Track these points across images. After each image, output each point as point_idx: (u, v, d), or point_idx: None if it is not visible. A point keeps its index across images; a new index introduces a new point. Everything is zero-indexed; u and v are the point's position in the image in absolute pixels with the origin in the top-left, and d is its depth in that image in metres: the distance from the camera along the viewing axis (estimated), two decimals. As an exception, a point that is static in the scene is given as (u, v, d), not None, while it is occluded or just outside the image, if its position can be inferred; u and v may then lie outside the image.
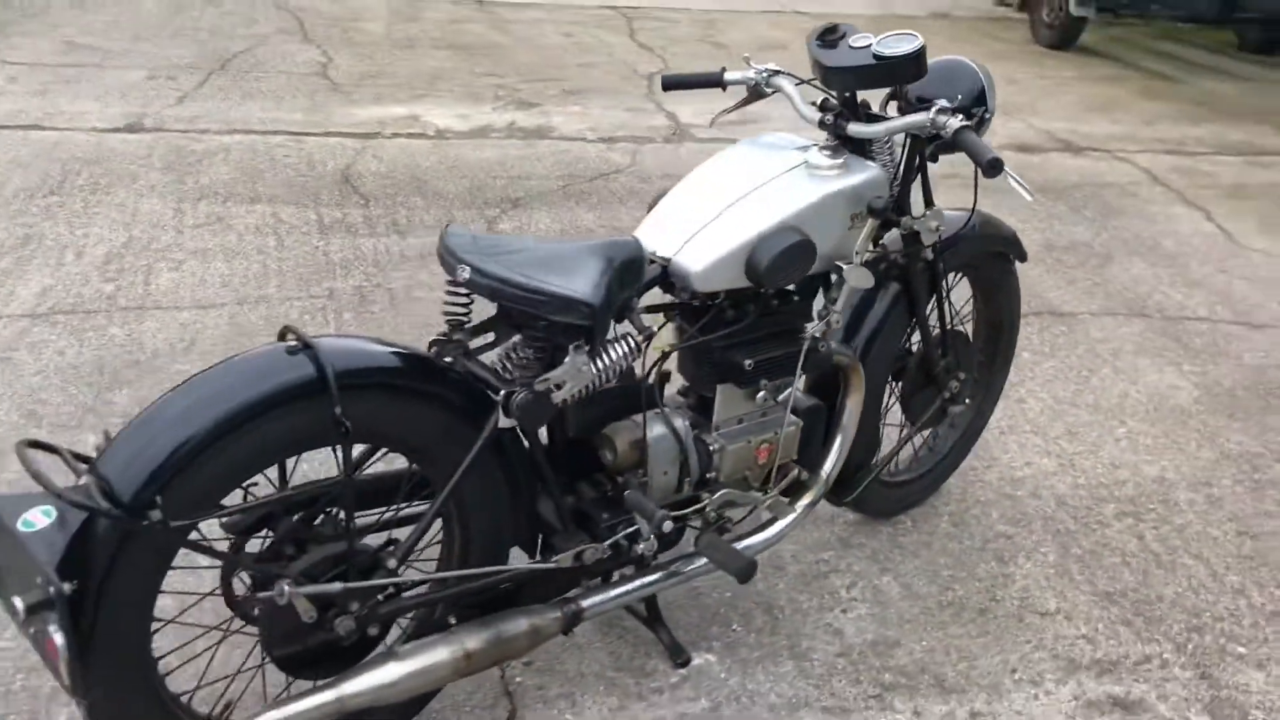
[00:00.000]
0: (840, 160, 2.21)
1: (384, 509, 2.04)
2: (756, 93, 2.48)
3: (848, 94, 2.28)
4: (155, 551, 1.69)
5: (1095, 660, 2.47)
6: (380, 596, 1.90)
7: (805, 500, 2.43)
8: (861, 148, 2.29)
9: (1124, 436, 3.36)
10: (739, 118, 2.92)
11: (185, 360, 3.36)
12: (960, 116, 2.13)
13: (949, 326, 2.68)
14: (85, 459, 1.70)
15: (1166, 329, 4.10)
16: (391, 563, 1.90)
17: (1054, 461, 3.21)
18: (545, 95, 6.62)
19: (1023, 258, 2.80)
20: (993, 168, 2.01)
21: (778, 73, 2.43)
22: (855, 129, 2.25)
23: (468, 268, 1.89)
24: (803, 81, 2.40)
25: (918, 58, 2.16)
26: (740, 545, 2.33)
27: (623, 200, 4.97)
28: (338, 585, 1.82)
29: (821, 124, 2.30)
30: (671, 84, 2.54)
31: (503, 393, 1.93)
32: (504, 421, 1.97)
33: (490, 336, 2.05)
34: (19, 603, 1.54)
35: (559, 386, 1.96)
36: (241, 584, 1.92)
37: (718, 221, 2.13)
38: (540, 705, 2.24)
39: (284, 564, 1.84)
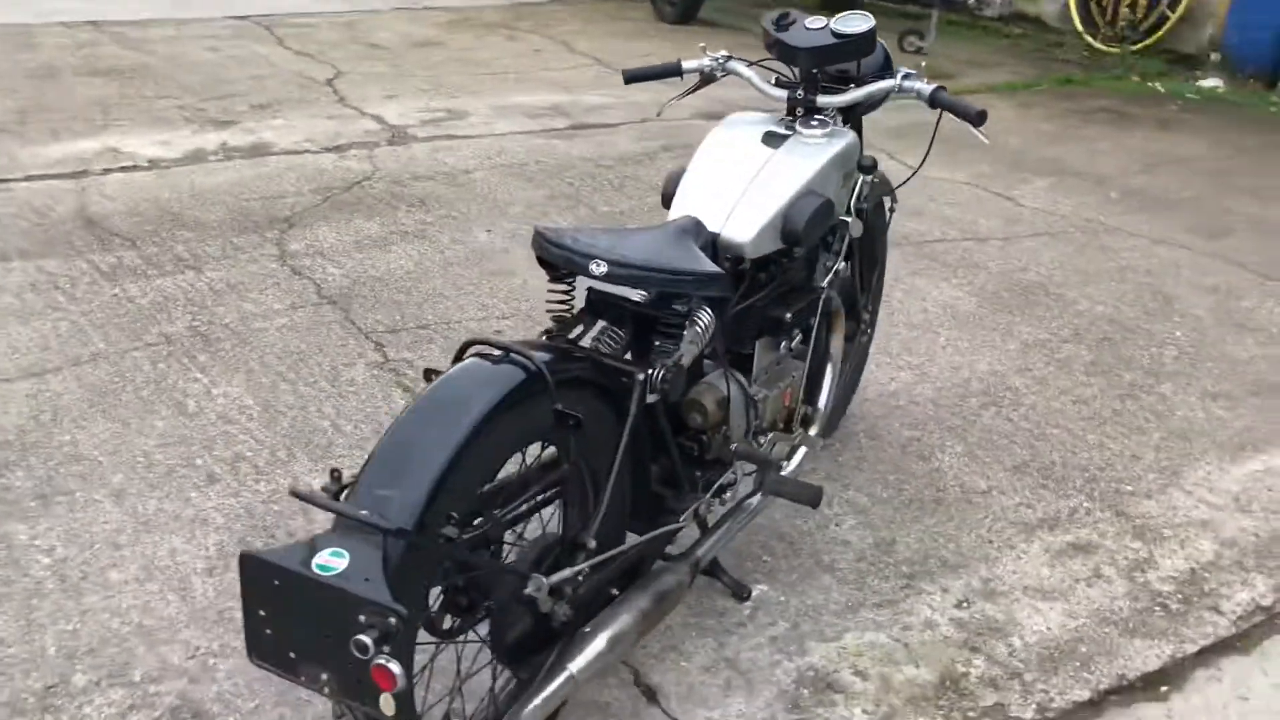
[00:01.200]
0: (826, 130, 2.51)
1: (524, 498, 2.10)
2: (708, 79, 2.71)
3: (814, 70, 2.57)
4: (435, 567, 1.70)
5: (1041, 520, 2.97)
6: (581, 577, 1.99)
7: (814, 432, 2.74)
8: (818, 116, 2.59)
9: (947, 343, 3.94)
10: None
11: (66, 429, 3.08)
12: (925, 80, 2.50)
13: (873, 266, 3.07)
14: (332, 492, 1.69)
15: (921, 252, 4.76)
16: (592, 543, 1.99)
17: (910, 374, 3.72)
18: (235, 112, 6.33)
19: (895, 200, 3.24)
20: (981, 117, 2.39)
21: (730, 58, 2.67)
22: (825, 100, 2.55)
23: (603, 262, 1.99)
24: (754, 63, 2.66)
25: (872, 35, 2.50)
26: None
27: (393, 206, 4.95)
28: (577, 568, 1.90)
29: (792, 100, 2.57)
30: (633, 77, 2.71)
31: (648, 371, 2.06)
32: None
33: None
34: (366, 639, 1.51)
35: (683, 359, 2.13)
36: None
37: (749, 195, 2.35)
38: (654, 661, 2.39)
39: (517, 561, 1.89)
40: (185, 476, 2.92)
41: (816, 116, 2.54)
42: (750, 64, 2.66)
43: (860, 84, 2.60)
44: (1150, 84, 8.14)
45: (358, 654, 1.52)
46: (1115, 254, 4.83)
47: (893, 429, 3.37)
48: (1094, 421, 3.47)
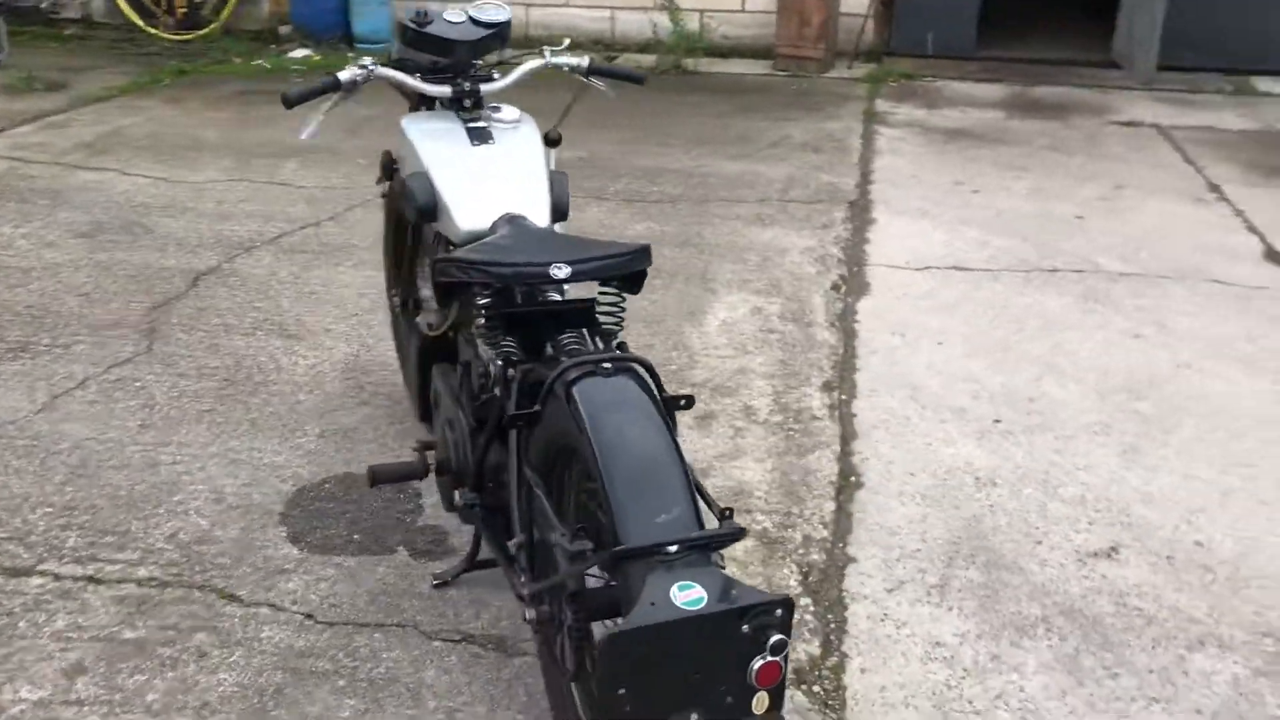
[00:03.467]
0: (516, 115, 2.64)
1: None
2: (352, 89, 2.60)
3: (473, 60, 2.65)
4: None
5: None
6: None
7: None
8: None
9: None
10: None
11: None
12: (570, 53, 2.75)
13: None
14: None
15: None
16: None
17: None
18: None
19: None
20: (643, 80, 2.75)
21: (378, 64, 2.60)
22: (488, 88, 2.67)
23: (563, 265, 2.02)
24: (393, 64, 2.63)
25: (510, 21, 2.68)
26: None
27: None
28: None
29: (459, 92, 2.63)
30: (295, 99, 2.48)
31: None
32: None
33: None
34: (768, 638, 1.55)
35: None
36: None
37: (524, 186, 2.43)
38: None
39: None
40: None
41: (492, 105, 2.65)
42: (394, 64, 2.64)
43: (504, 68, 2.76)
44: (256, 62, 8.50)
45: (751, 662, 1.55)
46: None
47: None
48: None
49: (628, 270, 2.08)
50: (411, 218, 2.49)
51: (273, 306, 4.15)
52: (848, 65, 8.61)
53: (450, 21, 2.60)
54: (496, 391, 2.09)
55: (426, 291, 2.68)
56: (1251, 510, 2.99)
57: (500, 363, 2.07)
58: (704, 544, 1.62)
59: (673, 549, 1.61)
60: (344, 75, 2.56)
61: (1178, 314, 4.21)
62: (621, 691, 1.54)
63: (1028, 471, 3.16)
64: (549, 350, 2.17)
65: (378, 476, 2.49)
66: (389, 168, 2.90)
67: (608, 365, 1.85)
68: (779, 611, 1.57)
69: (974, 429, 3.38)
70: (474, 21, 2.60)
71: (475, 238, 2.36)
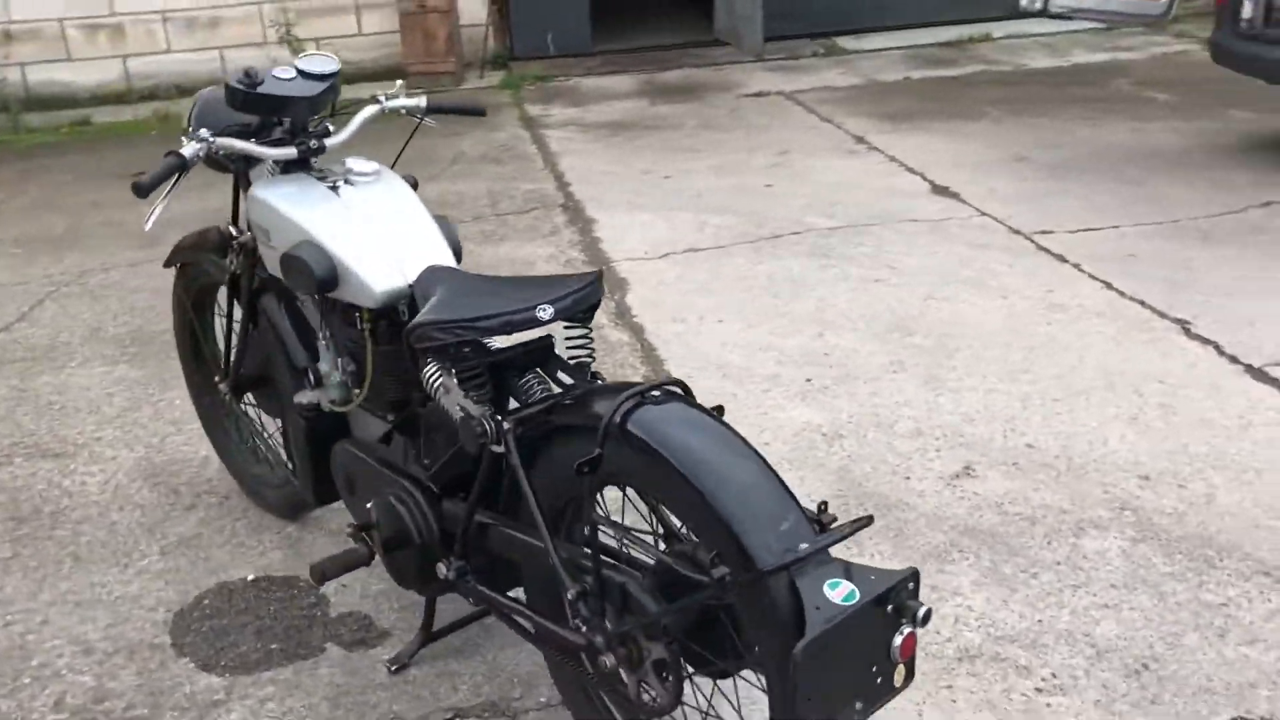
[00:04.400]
0: (375, 166, 2.51)
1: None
2: (186, 167, 2.38)
3: (311, 115, 2.48)
4: None
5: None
6: None
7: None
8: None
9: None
10: None
11: None
12: (406, 94, 2.64)
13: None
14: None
15: None
16: None
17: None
18: None
19: None
20: (484, 111, 2.70)
21: (217, 134, 2.38)
22: (334, 140, 2.52)
23: (547, 306, 1.99)
24: (224, 132, 2.42)
25: (340, 70, 2.54)
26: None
27: None
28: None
29: (305, 150, 2.46)
30: (148, 187, 2.22)
31: None
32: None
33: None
34: (916, 611, 1.65)
35: None
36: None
37: (425, 233, 2.35)
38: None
39: None
40: None
41: (338, 160, 2.52)
42: (239, 133, 2.45)
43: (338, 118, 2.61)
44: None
45: (892, 638, 1.65)
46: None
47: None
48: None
49: (594, 300, 2.08)
50: (309, 291, 2.32)
51: (14, 428, 3.64)
52: (479, 75, 8.69)
53: (281, 79, 2.43)
54: (488, 447, 2.01)
55: (325, 367, 2.49)
56: (1051, 408, 3.43)
57: (492, 416, 1.99)
58: (837, 540, 1.67)
59: (807, 551, 1.64)
60: (187, 152, 2.33)
61: (897, 254, 4.69)
62: (809, 700, 1.57)
63: (860, 418, 3.42)
64: (515, 395, 2.12)
65: (326, 573, 2.31)
66: (192, 250, 2.71)
67: (656, 393, 1.84)
68: (911, 585, 1.66)
69: (795, 391, 3.61)
70: (305, 75, 2.45)
71: (393, 298, 2.24)
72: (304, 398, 2.54)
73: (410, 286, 2.24)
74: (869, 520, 1.71)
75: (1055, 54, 8.40)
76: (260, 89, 2.39)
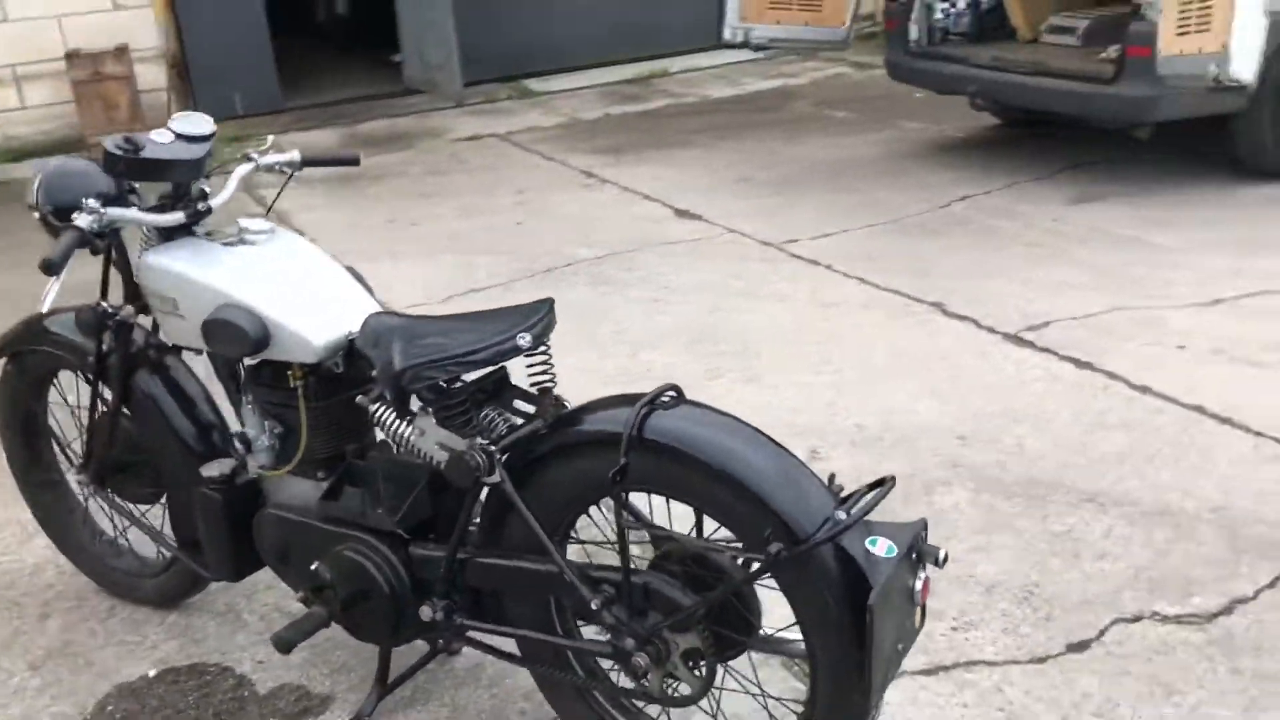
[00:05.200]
0: (265, 224, 2.46)
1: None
2: (86, 239, 2.24)
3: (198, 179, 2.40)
4: None
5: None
6: None
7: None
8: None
9: None
10: None
11: None
12: (276, 149, 2.59)
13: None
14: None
15: None
16: None
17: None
18: None
19: None
20: (358, 160, 2.68)
21: (106, 206, 2.26)
22: (219, 200, 2.45)
23: (525, 334, 2.07)
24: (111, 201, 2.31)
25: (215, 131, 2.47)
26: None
27: None
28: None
29: (193, 214, 2.38)
30: (59, 264, 2.09)
31: None
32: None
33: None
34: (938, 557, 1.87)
35: None
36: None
37: (342, 283, 2.34)
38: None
39: None
40: None
41: (242, 220, 2.46)
42: (136, 206, 2.36)
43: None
44: None
45: (914, 583, 1.86)
46: None
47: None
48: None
49: (553, 324, 2.17)
50: (240, 354, 2.24)
51: None
52: (168, 141, 8.28)
53: (161, 143, 2.35)
54: (481, 480, 2.05)
55: (252, 432, 2.39)
56: (861, 391, 3.79)
57: (483, 449, 2.03)
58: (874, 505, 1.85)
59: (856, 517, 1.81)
60: (83, 223, 2.21)
61: (668, 274, 4.97)
62: (879, 649, 1.75)
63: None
64: (479, 423, 2.16)
65: (292, 641, 2.23)
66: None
67: (665, 399, 1.96)
68: (923, 532, 1.88)
69: (629, 409, 3.78)
70: (183, 138, 2.37)
71: (332, 350, 2.23)
72: (214, 470, 2.44)
73: (349, 338, 2.23)
74: (893, 481, 1.90)
75: (731, 84, 9.09)
76: (144, 154, 2.30)
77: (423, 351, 2.04)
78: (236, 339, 2.21)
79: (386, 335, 2.14)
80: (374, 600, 2.24)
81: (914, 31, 6.37)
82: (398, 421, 2.18)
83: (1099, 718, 2.35)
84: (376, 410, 2.20)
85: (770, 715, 2.19)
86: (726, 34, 6.19)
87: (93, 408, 2.67)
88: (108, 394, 2.62)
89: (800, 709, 2.07)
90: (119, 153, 2.29)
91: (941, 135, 6.97)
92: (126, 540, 2.91)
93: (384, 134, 8.17)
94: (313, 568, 2.31)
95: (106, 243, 2.46)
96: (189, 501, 2.50)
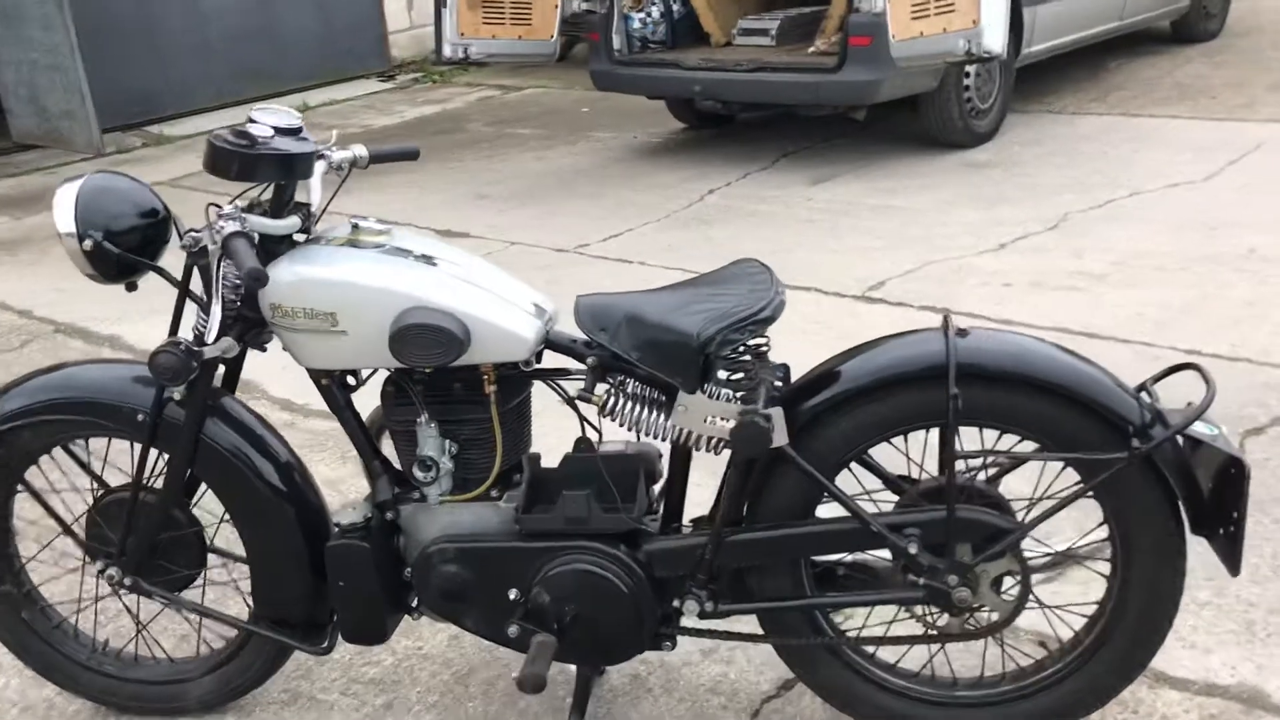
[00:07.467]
0: (380, 224, 2.15)
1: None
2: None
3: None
4: None
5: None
6: None
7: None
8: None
9: None
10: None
11: None
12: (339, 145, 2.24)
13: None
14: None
15: None
16: None
17: None
18: None
19: None
20: (417, 154, 2.38)
21: (237, 218, 1.87)
22: (316, 204, 2.11)
23: None
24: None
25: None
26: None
27: None
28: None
29: (304, 219, 2.04)
30: (263, 273, 1.70)
31: None
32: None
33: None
34: None
35: None
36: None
37: (500, 274, 2.11)
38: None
39: None
40: None
41: (360, 218, 2.13)
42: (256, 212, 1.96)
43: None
44: None
45: None
46: None
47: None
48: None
49: None
50: (444, 361, 1.94)
51: None
52: None
53: (266, 138, 1.99)
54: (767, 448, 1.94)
55: (432, 453, 2.04)
56: (775, 361, 3.90)
57: (763, 414, 1.92)
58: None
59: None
60: (231, 228, 1.84)
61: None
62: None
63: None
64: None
65: (541, 675, 1.96)
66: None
67: (962, 329, 1.95)
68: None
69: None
70: (282, 131, 2.02)
71: (539, 343, 2.02)
72: (348, 516, 2.09)
73: (547, 326, 2.04)
74: (1195, 365, 1.98)
75: (385, 113, 8.85)
76: (260, 149, 1.94)
77: (712, 318, 1.90)
78: (439, 344, 1.92)
79: (610, 311, 1.96)
80: (615, 611, 2.03)
81: (617, 41, 6.59)
82: (633, 406, 2.00)
83: None
84: (605, 398, 2.00)
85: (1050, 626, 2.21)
86: (446, 50, 6.05)
87: (136, 481, 2.17)
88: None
89: (1092, 613, 2.10)
90: (239, 149, 1.91)
91: (638, 142, 7.23)
92: (146, 640, 2.38)
93: (13, 195, 7.10)
94: (512, 596, 2.05)
95: (196, 263, 2.04)
96: (292, 565, 2.12)
